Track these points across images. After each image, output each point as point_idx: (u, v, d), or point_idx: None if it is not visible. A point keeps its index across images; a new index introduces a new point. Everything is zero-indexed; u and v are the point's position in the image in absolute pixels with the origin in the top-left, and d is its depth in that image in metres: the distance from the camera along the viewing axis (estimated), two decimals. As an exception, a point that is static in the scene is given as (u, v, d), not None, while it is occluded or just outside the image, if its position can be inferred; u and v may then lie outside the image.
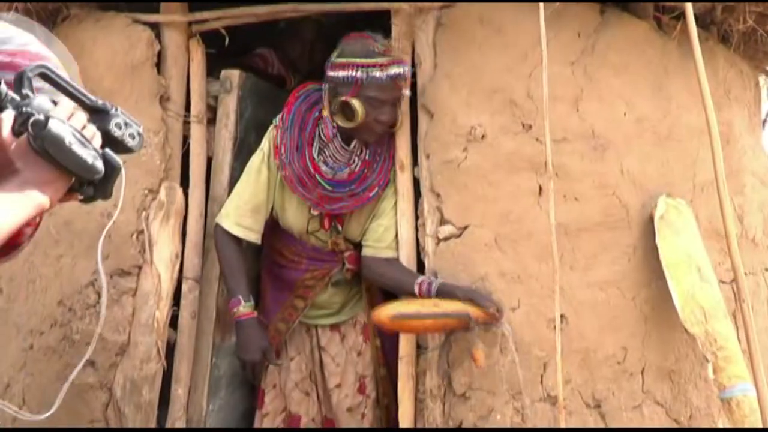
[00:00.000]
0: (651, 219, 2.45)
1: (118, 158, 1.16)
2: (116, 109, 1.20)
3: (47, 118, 1.08)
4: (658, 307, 2.45)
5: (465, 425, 2.32)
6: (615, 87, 2.54)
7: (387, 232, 2.56)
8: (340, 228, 2.63)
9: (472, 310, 2.28)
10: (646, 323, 2.45)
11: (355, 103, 2.37)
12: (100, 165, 1.12)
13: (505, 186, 2.45)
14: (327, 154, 2.52)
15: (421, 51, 2.56)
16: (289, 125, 2.54)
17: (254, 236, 2.59)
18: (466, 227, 2.44)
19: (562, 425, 2.12)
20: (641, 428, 2.39)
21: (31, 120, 1.07)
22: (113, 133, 1.18)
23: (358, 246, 2.67)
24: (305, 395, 2.79)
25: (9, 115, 1.09)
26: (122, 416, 2.62)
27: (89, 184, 1.15)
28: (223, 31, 2.72)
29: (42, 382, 2.82)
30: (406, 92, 2.50)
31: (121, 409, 2.63)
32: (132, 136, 1.21)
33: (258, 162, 2.58)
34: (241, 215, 2.56)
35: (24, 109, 1.09)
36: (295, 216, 2.63)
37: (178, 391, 2.66)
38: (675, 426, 2.43)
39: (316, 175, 2.50)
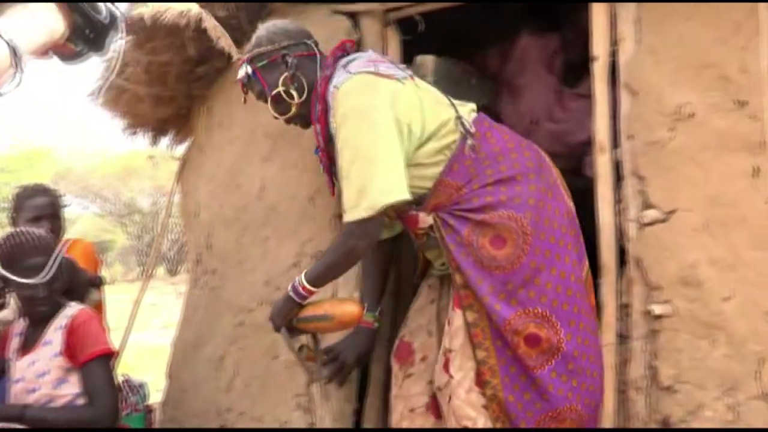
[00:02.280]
0: None
1: (119, 10, 1.22)
2: None
3: None
4: None
5: (672, 421, 2.22)
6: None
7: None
8: None
9: (338, 312, 2.31)
10: None
11: None
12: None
13: (716, 167, 2.29)
14: None
15: (622, 26, 2.44)
16: None
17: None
18: (672, 211, 2.31)
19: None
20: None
21: None
22: None
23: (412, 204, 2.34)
24: (428, 335, 2.60)
25: None
26: (325, 392, 2.75)
27: (85, 41, 1.21)
28: (418, 18, 2.75)
29: (252, 356, 3.03)
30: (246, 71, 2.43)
31: (323, 385, 2.76)
32: None
33: None
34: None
35: None
36: None
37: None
38: None
39: None
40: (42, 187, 3.38)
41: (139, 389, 3.33)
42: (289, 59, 2.37)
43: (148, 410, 3.44)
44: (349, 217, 2.20)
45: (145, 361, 6.65)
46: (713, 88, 2.31)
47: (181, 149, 4.08)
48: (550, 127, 3.17)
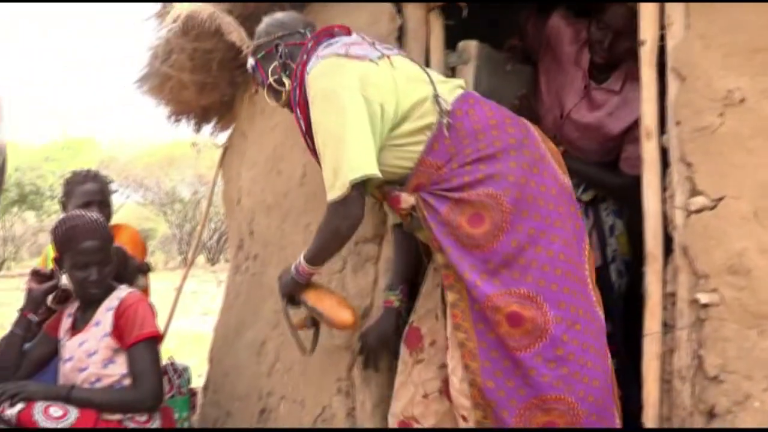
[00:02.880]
0: None
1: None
2: None
3: None
4: None
5: (717, 410, 2.18)
6: None
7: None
8: None
9: (333, 315, 2.40)
10: None
11: None
12: None
13: (766, 154, 2.24)
14: None
15: (671, 11, 2.40)
16: None
17: None
18: (721, 199, 2.26)
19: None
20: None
21: None
22: None
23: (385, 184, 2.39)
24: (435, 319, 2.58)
25: None
26: (366, 377, 2.76)
27: None
28: (462, 4, 2.74)
29: (293, 341, 3.04)
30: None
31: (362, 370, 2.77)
32: None
33: None
34: None
35: None
36: None
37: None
38: None
39: None
40: (93, 173, 3.45)
41: (183, 373, 3.39)
42: (280, 48, 2.43)
43: (192, 393, 3.49)
44: (328, 197, 2.23)
45: (185, 347, 6.75)
46: (764, 73, 2.25)
47: (223, 136, 4.13)
48: (579, 120, 3.12)
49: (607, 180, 3.17)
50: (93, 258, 2.64)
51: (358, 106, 2.19)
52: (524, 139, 2.32)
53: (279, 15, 2.54)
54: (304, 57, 2.38)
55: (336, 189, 2.19)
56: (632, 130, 3.01)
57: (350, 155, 2.17)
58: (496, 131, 2.29)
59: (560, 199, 2.29)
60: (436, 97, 2.29)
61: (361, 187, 2.21)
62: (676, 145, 2.34)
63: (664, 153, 2.41)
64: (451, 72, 2.83)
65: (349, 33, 2.49)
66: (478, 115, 2.31)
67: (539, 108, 3.20)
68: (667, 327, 2.34)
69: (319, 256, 2.38)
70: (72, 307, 2.80)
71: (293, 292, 2.47)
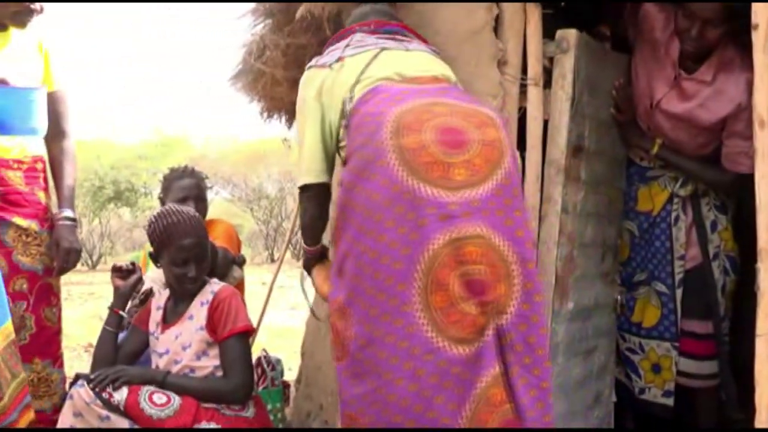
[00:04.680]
0: None
1: None
2: None
3: None
4: None
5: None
6: None
7: None
8: None
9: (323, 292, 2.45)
10: None
11: None
12: None
13: None
14: None
15: (787, -8, 2.27)
16: None
17: None
18: (843, 191, 2.13)
19: None
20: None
21: None
22: None
23: None
24: None
25: None
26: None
27: None
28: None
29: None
30: None
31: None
32: None
33: None
34: None
35: None
36: None
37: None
38: None
39: None
40: (189, 169, 3.56)
41: (276, 365, 3.43)
42: None
43: (285, 385, 3.53)
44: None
45: (274, 341, 6.85)
46: None
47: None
48: (669, 110, 3.00)
49: (709, 176, 3.04)
50: (191, 254, 2.69)
51: (314, 115, 2.36)
52: (367, 140, 2.14)
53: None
54: None
55: (299, 180, 2.44)
56: (730, 124, 2.88)
57: (302, 162, 2.39)
58: (356, 131, 2.21)
59: (389, 206, 2.06)
60: (344, 101, 2.30)
61: (313, 188, 2.40)
62: (792, 134, 2.22)
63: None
64: (549, 62, 2.76)
65: (374, 27, 2.48)
66: (362, 112, 2.23)
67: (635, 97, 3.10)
68: (782, 327, 2.22)
69: (304, 235, 2.56)
70: (161, 300, 2.86)
71: (306, 267, 2.66)
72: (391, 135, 2.09)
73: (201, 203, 3.40)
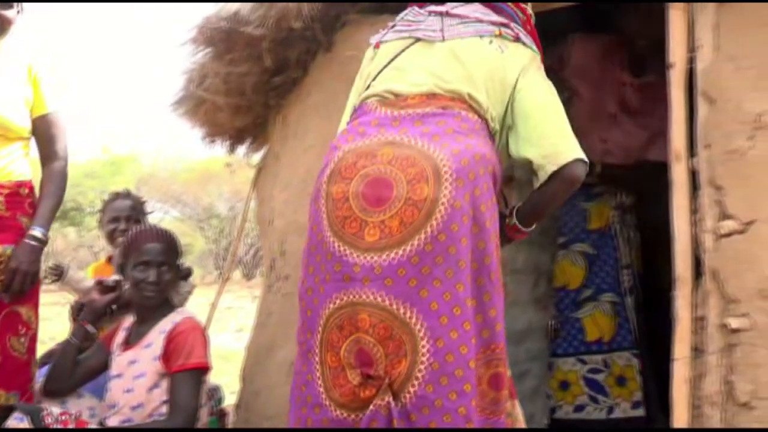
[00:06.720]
0: None
1: None
2: None
3: None
4: None
5: (749, 438, 2.15)
6: None
7: None
8: None
9: None
10: None
11: None
12: None
13: (798, 177, 2.22)
14: None
15: (700, 33, 2.39)
16: None
17: None
18: (751, 222, 2.24)
19: None
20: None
21: None
22: None
23: None
24: None
25: None
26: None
27: None
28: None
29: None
30: None
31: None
32: None
33: None
34: None
35: None
36: None
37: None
38: None
39: None
40: (125, 192, 3.68)
41: (213, 393, 3.42)
42: None
43: (222, 414, 3.52)
44: None
45: (220, 364, 6.80)
46: (795, 96, 2.24)
47: (257, 157, 4.19)
48: (628, 119, 3.14)
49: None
50: (153, 259, 2.69)
51: (355, 87, 2.33)
52: (320, 172, 2.08)
53: None
54: None
55: None
56: None
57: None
58: (328, 152, 2.13)
59: (312, 252, 2.02)
60: (354, 106, 2.28)
61: None
62: (706, 168, 2.33)
63: (694, 176, 2.40)
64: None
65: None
66: (339, 135, 2.20)
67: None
68: (697, 352, 2.32)
69: None
70: (129, 322, 2.83)
71: None
72: (327, 179, 2.02)
73: (135, 224, 3.41)
